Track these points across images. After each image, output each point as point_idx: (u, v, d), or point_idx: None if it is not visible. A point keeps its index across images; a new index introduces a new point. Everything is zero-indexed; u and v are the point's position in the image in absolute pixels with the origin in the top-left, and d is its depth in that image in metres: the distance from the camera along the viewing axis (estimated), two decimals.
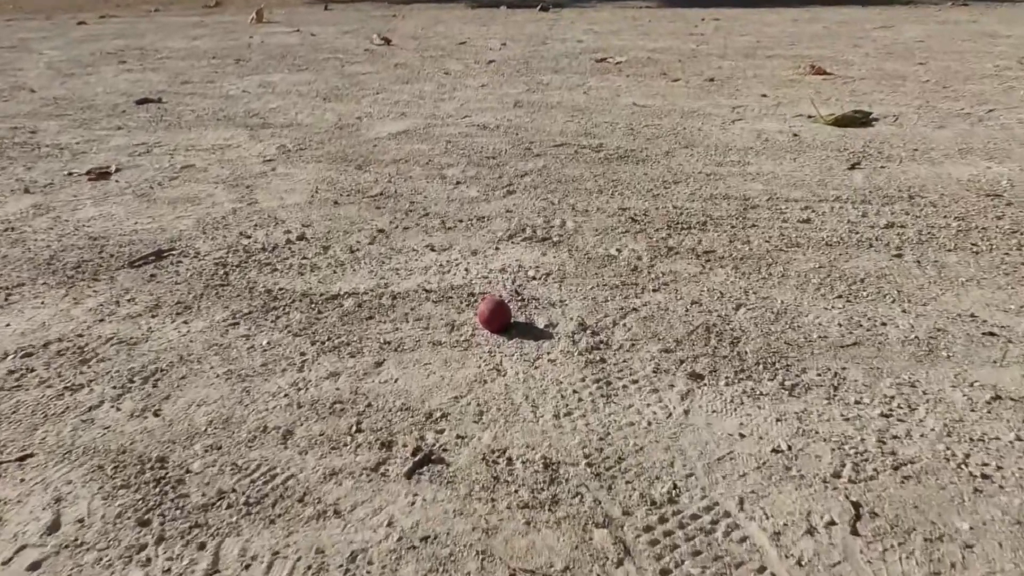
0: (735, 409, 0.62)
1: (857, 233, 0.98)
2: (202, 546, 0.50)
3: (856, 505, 0.51)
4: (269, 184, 1.26)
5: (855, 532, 0.49)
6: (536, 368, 0.68)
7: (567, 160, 1.35)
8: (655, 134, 1.55)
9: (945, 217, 1.03)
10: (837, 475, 0.54)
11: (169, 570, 0.49)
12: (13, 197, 1.25)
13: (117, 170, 1.40)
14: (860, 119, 1.63)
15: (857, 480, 0.54)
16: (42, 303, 0.86)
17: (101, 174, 1.39)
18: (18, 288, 0.90)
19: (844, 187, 1.18)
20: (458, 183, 1.22)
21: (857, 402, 0.63)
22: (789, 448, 0.57)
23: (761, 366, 0.68)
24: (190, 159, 1.45)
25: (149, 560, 0.49)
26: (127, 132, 1.71)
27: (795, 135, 1.52)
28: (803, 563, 0.47)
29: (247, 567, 0.48)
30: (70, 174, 1.38)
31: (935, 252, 0.91)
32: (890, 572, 0.47)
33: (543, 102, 1.90)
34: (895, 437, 0.58)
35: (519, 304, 0.80)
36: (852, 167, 1.29)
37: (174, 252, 0.98)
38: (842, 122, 1.61)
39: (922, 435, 0.58)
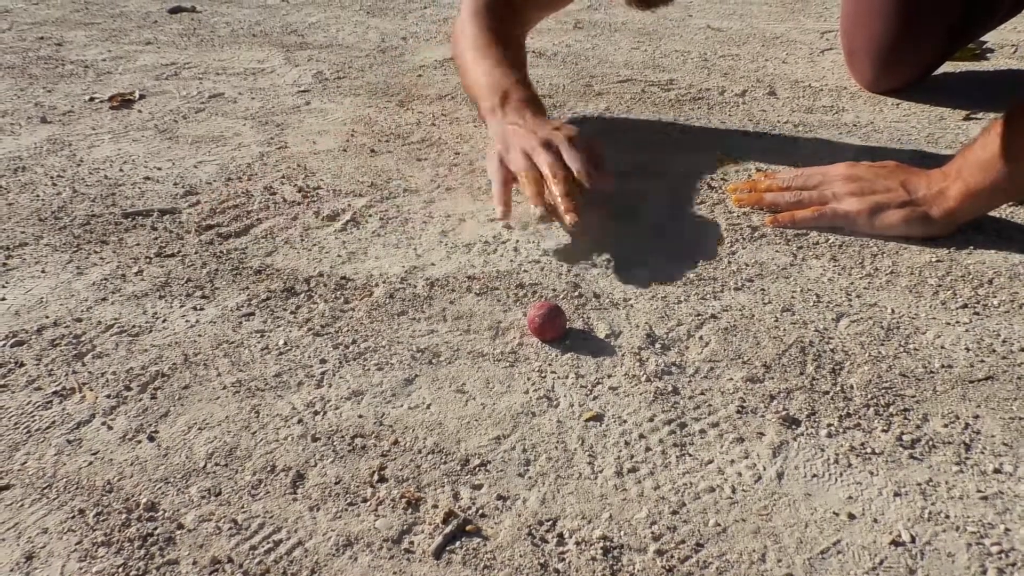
0: (841, 474, 0.50)
1: None
2: None
3: None
4: (302, 123, 1.14)
5: None
6: (595, 399, 0.57)
7: (633, 101, 1.19)
8: (732, 67, 1.37)
9: None
10: None
11: None
12: (28, 127, 1.15)
13: (141, 96, 1.29)
14: (974, 51, 1.42)
15: None
16: (43, 271, 0.77)
17: (124, 101, 1.28)
18: (20, 249, 0.81)
19: (959, 144, 1.01)
20: None
21: (996, 471, 0.50)
22: (913, 539, 0.46)
23: (871, 409, 0.56)
24: (219, 86, 1.33)
25: None
26: (156, 48, 1.59)
27: None
28: None
29: None
30: (92, 99, 1.28)
31: None
32: None
33: (606, 22, 1.71)
34: None
35: (576, 302, 0.68)
36: (966, 118, 1.11)
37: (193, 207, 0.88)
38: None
39: None
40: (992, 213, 0.82)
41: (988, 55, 1.42)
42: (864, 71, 1.21)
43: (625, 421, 0.55)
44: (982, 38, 1.39)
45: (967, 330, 0.64)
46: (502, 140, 0.81)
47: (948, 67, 1.33)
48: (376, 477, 0.51)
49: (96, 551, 0.46)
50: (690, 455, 0.52)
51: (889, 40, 1.16)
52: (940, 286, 0.70)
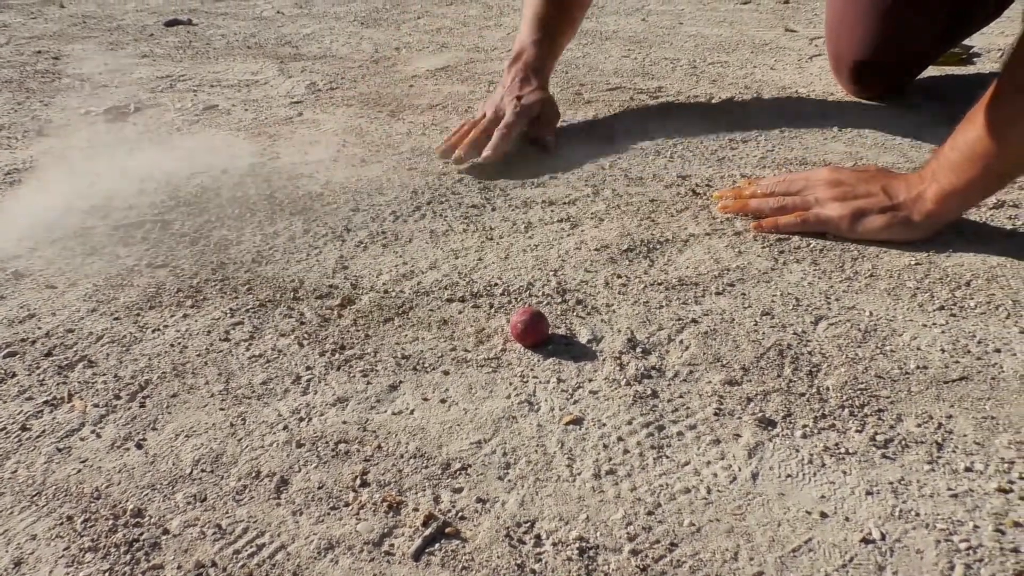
0: (815, 474, 0.51)
1: None
2: None
3: None
4: (294, 133, 1.15)
5: None
6: (575, 403, 0.58)
7: (621, 109, 1.21)
8: (720, 74, 1.39)
9: None
10: None
11: None
12: (25, 140, 1.17)
13: (136, 109, 1.30)
14: (959, 55, 1.43)
15: None
16: (36, 283, 0.78)
17: (120, 114, 1.30)
18: (14, 261, 0.82)
19: None
20: None
21: (968, 469, 0.51)
22: (883, 537, 0.47)
23: (846, 410, 0.57)
24: (214, 98, 1.35)
25: None
26: (152, 61, 1.60)
27: None
28: None
29: None
30: (87, 112, 1.29)
31: None
32: None
33: (597, 31, 1.73)
34: (1017, 525, 0.47)
35: (560, 308, 0.70)
36: (951, 122, 1.12)
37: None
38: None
39: None
40: (971, 216, 0.83)
41: (974, 59, 1.43)
42: (850, 76, 1.22)
43: (604, 424, 0.56)
44: (968, 42, 1.40)
45: (943, 331, 0.65)
46: (493, 92, 1.09)
47: (933, 71, 1.34)
48: (359, 482, 0.52)
49: (83, 556, 0.47)
50: (667, 457, 0.53)
51: (875, 45, 1.17)
52: (918, 288, 0.71)
